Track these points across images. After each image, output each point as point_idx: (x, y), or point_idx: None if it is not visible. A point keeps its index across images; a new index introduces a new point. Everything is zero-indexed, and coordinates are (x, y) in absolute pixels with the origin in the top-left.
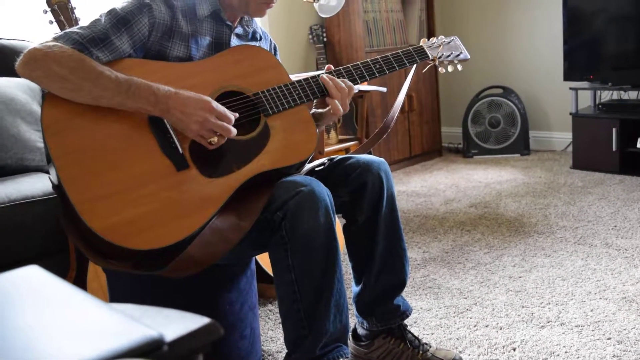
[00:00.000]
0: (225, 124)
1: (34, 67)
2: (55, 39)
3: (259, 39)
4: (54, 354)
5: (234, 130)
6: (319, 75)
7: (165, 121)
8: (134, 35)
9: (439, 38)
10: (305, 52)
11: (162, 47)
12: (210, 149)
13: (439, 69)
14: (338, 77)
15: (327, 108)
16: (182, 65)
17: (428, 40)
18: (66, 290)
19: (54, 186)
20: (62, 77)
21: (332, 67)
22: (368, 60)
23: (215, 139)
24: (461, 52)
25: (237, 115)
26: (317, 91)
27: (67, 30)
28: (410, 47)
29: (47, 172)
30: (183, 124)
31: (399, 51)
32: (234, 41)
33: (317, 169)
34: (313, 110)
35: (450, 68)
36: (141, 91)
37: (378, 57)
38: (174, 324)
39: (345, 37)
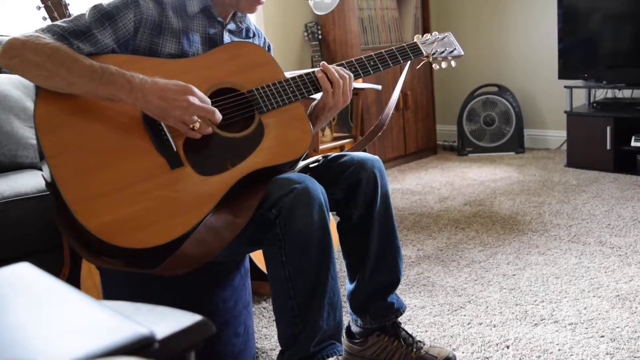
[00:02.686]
0: (208, 106)
1: (11, 55)
2: (36, 31)
3: (252, 36)
4: (44, 351)
5: (218, 113)
6: (313, 71)
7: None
8: (118, 30)
9: (433, 34)
10: (300, 49)
11: (152, 44)
12: (192, 136)
13: (433, 66)
14: None
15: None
16: (175, 62)
17: (422, 36)
18: (57, 288)
19: (47, 184)
20: (37, 64)
21: (326, 64)
22: (362, 57)
23: (198, 124)
24: (455, 49)
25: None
26: (311, 88)
27: (50, 23)
28: (404, 44)
29: (41, 169)
30: (163, 111)
31: (393, 48)
32: (227, 37)
33: (311, 166)
34: (314, 103)
35: (444, 64)
36: (115, 78)
37: (372, 54)
38: (166, 321)
39: (340, 34)
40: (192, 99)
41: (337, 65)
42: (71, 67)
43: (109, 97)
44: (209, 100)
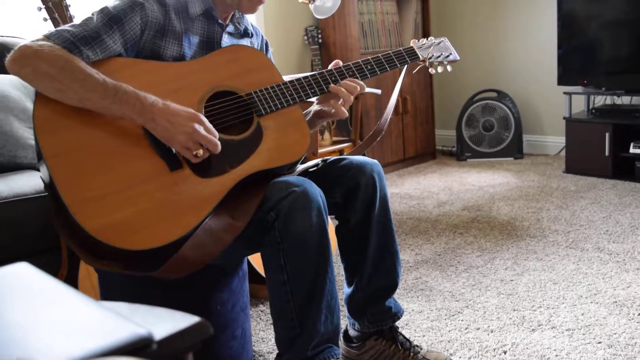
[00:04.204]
0: (212, 137)
1: (23, 64)
2: (47, 37)
3: (250, 35)
4: (42, 351)
5: (220, 146)
6: (312, 75)
7: None
8: (125, 34)
9: (429, 39)
10: (300, 53)
11: (155, 46)
12: (194, 161)
13: (430, 70)
14: (330, 78)
15: (331, 108)
16: (174, 65)
17: (418, 41)
18: (55, 288)
19: (46, 185)
20: (50, 76)
21: (341, 63)
22: (359, 60)
23: (201, 151)
24: (451, 53)
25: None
26: (309, 91)
27: (59, 28)
28: (401, 49)
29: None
30: (169, 134)
31: (389, 52)
32: (226, 40)
33: (310, 169)
34: (318, 107)
35: (440, 69)
36: (128, 97)
37: (369, 58)
38: (164, 322)
39: (340, 38)
40: (198, 127)
41: (336, 70)
42: (84, 82)
43: (120, 116)
44: (216, 133)
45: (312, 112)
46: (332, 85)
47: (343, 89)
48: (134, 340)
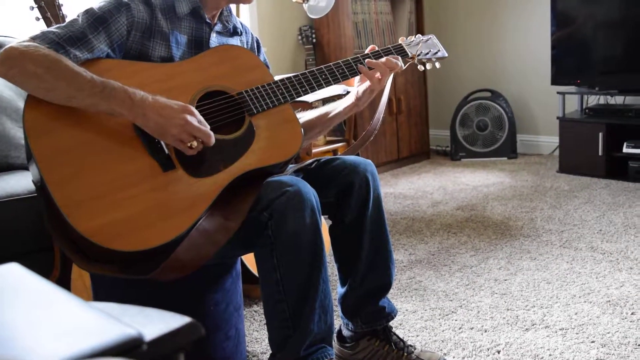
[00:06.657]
0: (206, 128)
1: (9, 65)
2: (32, 38)
3: (240, 33)
4: (32, 352)
5: (214, 137)
6: (302, 73)
7: None
8: (111, 35)
9: (417, 36)
10: (294, 52)
11: (143, 46)
12: (189, 153)
13: (418, 67)
14: (320, 77)
15: (367, 84)
16: (165, 65)
17: (407, 38)
18: (45, 288)
19: (37, 187)
20: (37, 76)
21: (376, 47)
22: (349, 58)
23: (195, 143)
24: (439, 50)
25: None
26: (300, 90)
27: (44, 30)
28: (389, 46)
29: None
30: (161, 129)
31: (379, 49)
32: (214, 39)
33: (304, 169)
34: (357, 87)
35: (428, 66)
36: (116, 93)
37: (359, 55)
38: (155, 323)
39: (334, 38)
40: (190, 118)
41: (325, 67)
42: (71, 80)
43: (110, 112)
44: (207, 125)
45: (361, 91)
46: (361, 66)
47: (380, 65)
48: (123, 340)
